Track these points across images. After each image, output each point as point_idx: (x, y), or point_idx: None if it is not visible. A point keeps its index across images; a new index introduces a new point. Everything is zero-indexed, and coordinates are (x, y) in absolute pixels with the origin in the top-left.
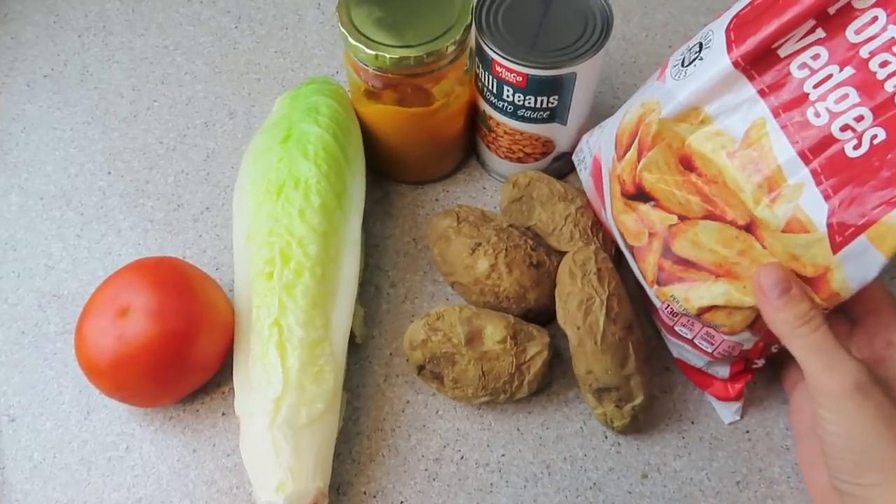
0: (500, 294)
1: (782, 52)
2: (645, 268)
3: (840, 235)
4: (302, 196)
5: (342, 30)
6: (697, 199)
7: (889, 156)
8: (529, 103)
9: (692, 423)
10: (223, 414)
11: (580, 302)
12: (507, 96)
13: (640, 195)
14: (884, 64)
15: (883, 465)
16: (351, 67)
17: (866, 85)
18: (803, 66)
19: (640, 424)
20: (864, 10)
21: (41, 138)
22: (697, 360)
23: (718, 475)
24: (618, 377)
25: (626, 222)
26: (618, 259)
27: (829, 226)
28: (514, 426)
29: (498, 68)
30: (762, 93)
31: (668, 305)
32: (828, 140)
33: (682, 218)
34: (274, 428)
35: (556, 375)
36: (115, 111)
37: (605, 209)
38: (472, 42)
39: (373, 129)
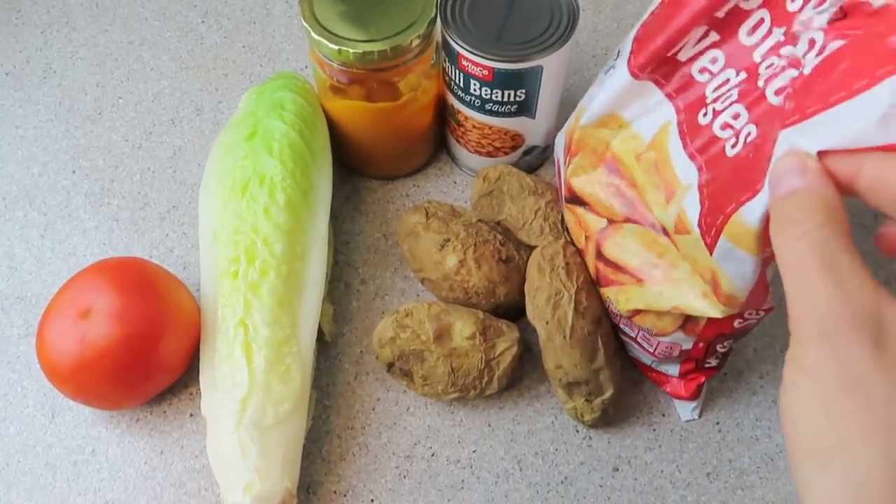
0: (469, 290)
1: (682, 57)
2: (590, 268)
3: (707, 236)
4: (267, 194)
5: (305, 24)
6: (619, 202)
7: (752, 154)
8: (497, 97)
9: (662, 415)
10: (191, 415)
11: (549, 296)
12: (475, 90)
13: (575, 199)
14: (769, 66)
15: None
16: (316, 63)
17: (747, 83)
18: (703, 69)
19: (610, 418)
20: (751, 12)
21: (3, 137)
22: (645, 359)
23: (689, 467)
24: (587, 371)
25: (570, 224)
26: None
27: (699, 226)
28: (485, 422)
29: (464, 62)
30: (669, 96)
31: (609, 306)
32: (712, 140)
33: (610, 221)
34: (240, 428)
35: (526, 370)
36: (79, 108)
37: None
38: (437, 36)
39: (340, 125)
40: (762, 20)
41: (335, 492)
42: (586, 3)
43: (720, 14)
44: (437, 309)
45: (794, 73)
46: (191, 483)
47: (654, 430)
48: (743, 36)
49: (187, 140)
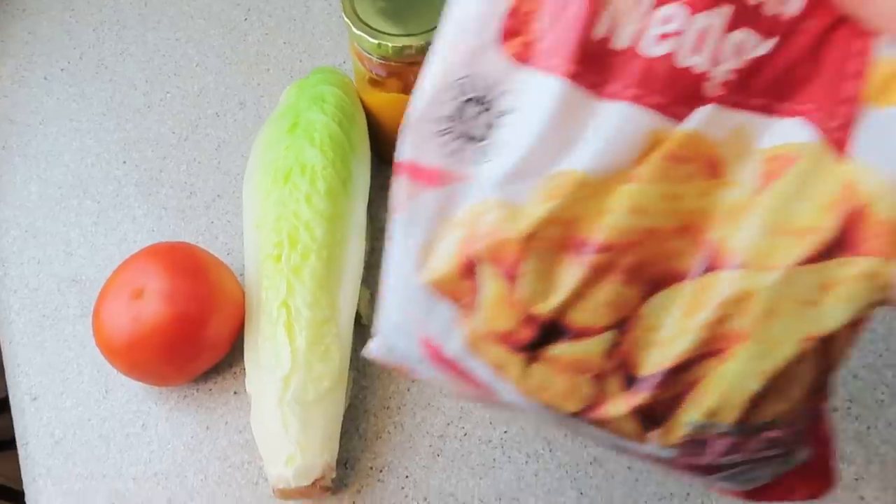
0: None
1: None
2: None
3: (841, 129)
4: (308, 182)
5: (346, 20)
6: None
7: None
8: None
9: None
10: (235, 393)
11: None
12: None
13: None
14: None
15: None
16: (356, 56)
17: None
18: (660, 38)
19: None
20: None
21: (59, 129)
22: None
23: None
24: None
25: None
26: None
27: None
28: None
29: None
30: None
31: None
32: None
33: None
34: (283, 404)
35: None
36: (129, 102)
37: None
38: None
39: (378, 117)
40: None
41: (371, 468)
42: None
43: None
44: None
45: None
46: (235, 456)
47: None
48: None
49: (231, 132)
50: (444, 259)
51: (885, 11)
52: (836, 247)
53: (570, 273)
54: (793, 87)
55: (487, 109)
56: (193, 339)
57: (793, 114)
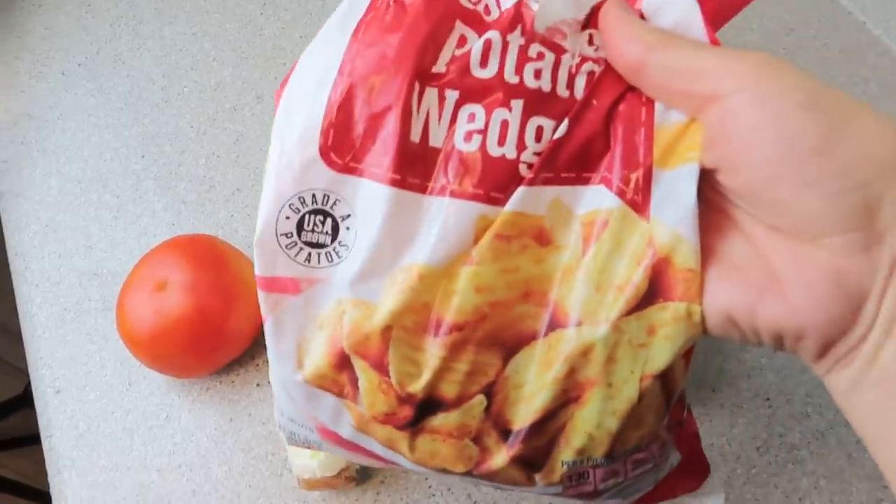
0: None
1: (433, 141)
2: None
3: (637, 193)
4: None
5: None
6: None
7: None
8: None
9: (712, 390)
10: (258, 385)
11: None
12: None
13: None
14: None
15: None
16: None
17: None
18: (469, 135)
19: None
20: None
21: (77, 124)
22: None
23: (739, 440)
24: None
25: None
26: None
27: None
28: None
29: None
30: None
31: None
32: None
33: None
34: None
35: None
36: (147, 97)
37: None
38: None
39: None
40: (490, 42)
41: None
42: None
43: (438, 66)
44: None
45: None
46: (259, 448)
47: (705, 405)
48: (476, 70)
49: (249, 126)
50: (317, 358)
51: (655, 83)
52: (652, 295)
53: (431, 353)
54: (593, 159)
55: (328, 216)
56: (216, 330)
57: (597, 182)
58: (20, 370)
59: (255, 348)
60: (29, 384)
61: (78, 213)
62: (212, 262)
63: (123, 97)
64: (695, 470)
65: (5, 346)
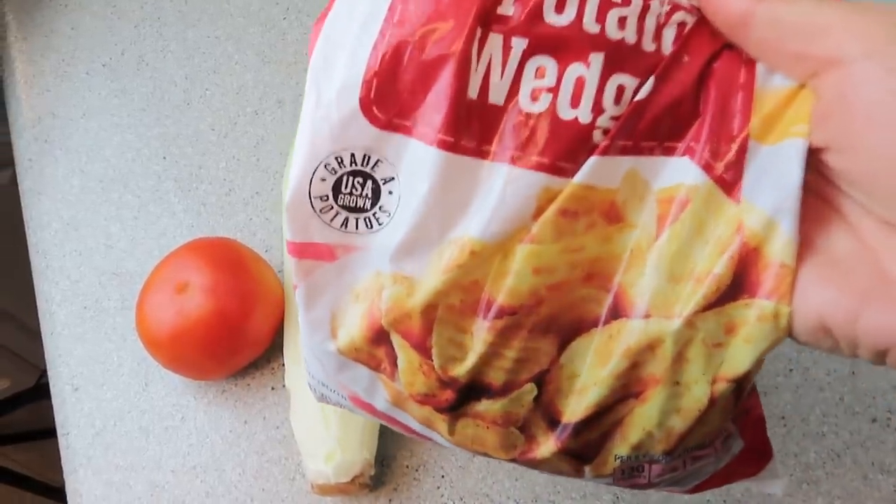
0: None
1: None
2: None
3: (728, 169)
4: None
5: None
6: None
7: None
8: None
9: None
10: (273, 389)
11: None
12: None
13: None
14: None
15: None
16: None
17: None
18: (535, 94)
19: None
20: None
21: (100, 124)
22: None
23: None
24: None
25: None
26: None
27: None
28: None
29: None
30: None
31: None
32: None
33: None
34: None
35: None
36: (169, 99)
37: None
38: None
39: None
40: None
41: (407, 466)
42: None
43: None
44: None
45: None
46: (273, 451)
47: None
48: (550, 16)
49: (269, 130)
50: (353, 330)
51: (761, 39)
52: (736, 289)
53: (478, 337)
54: (679, 127)
55: (368, 178)
56: (236, 333)
57: (682, 153)
58: (34, 366)
59: (270, 352)
60: (40, 378)
61: (99, 212)
62: (232, 265)
63: (146, 98)
64: (757, 456)
65: (23, 342)
